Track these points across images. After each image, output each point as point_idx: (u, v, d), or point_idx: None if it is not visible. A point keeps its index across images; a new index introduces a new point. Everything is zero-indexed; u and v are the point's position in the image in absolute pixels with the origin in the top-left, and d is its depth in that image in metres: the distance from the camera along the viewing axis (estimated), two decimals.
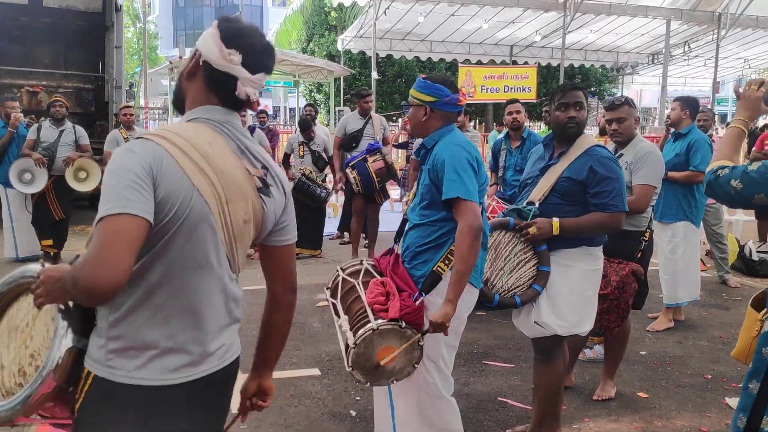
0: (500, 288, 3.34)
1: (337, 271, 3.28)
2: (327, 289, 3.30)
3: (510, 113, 6.09)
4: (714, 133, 6.94)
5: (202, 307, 1.69)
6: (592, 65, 27.28)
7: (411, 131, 3.30)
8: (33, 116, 9.09)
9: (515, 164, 5.95)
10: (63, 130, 7.65)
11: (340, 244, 9.32)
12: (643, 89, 37.70)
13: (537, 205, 3.38)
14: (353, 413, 4.02)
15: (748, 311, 2.34)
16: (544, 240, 3.32)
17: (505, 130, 6.32)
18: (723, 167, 2.22)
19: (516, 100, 6.34)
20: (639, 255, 4.09)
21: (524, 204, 3.45)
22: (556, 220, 3.27)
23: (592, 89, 28.80)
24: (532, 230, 3.29)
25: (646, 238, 4.14)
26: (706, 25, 21.47)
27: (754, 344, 2.21)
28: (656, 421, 3.98)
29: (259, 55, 1.77)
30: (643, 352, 5.10)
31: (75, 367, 1.66)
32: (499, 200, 5.15)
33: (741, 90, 2.42)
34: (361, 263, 3.26)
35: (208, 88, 1.76)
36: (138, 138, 1.64)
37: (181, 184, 1.59)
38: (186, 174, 1.60)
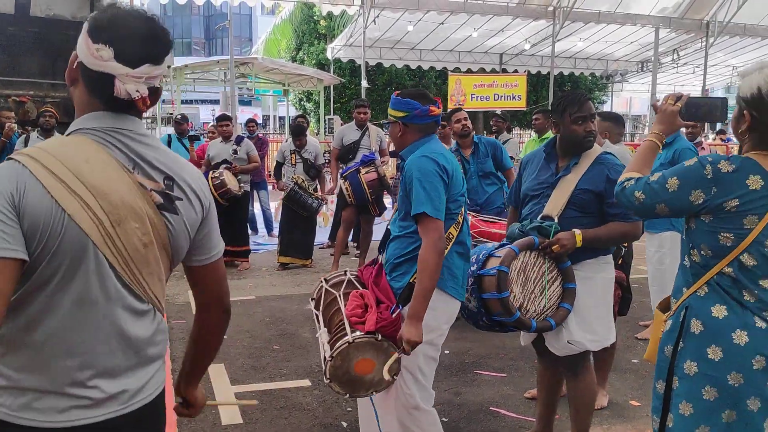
0: (533, 312, 3.23)
1: (321, 281, 3.27)
2: (312, 299, 3.29)
3: (458, 120, 6.12)
4: (703, 140, 6.97)
5: (89, 347, 1.48)
6: (582, 73, 27.40)
7: (395, 148, 3.29)
8: (28, 127, 9.04)
9: (477, 170, 5.96)
10: None
11: (331, 255, 9.29)
12: (632, 97, 37.92)
13: (556, 219, 3.30)
14: (344, 424, 3.99)
15: (655, 313, 2.40)
16: (568, 256, 3.25)
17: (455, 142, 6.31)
18: (630, 179, 2.27)
19: (460, 109, 6.44)
20: (620, 261, 4.08)
21: (539, 219, 3.34)
22: (578, 233, 3.18)
23: None
24: (555, 248, 3.19)
25: (626, 245, 4.13)
26: (695, 33, 21.62)
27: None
28: (649, 430, 3.96)
29: (139, 45, 1.49)
30: (634, 360, 5.08)
31: None
32: (472, 213, 5.12)
33: (659, 104, 2.45)
34: (345, 274, 3.25)
35: (89, 92, 1.53)
36: (8, 158, 1.48)
37: (48, 211, 1.39)
38: (54, 199, 1.40)
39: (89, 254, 1.45)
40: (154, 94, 1.58)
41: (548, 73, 21.96)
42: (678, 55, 24.54)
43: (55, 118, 7.81)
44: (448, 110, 6.75)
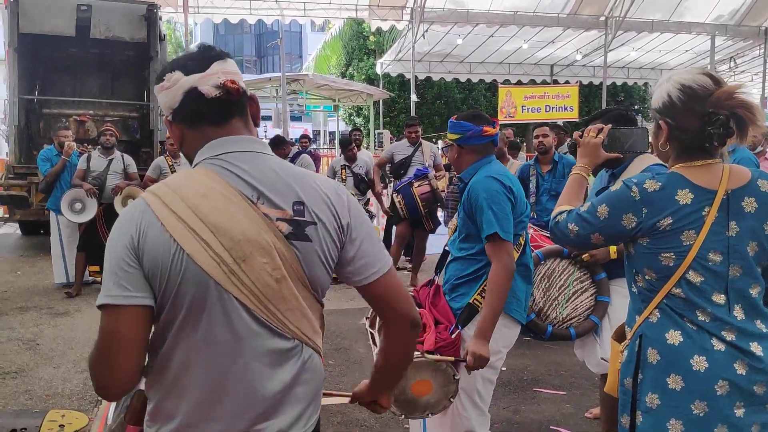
0: (554, 319, 3.22)
1: None
2: (366, 318, 3.26)
3: (536, 137, 6.01)
4: (765, 149, 6.71)
5: (221, 385, 1.45)
6: (635, 83, 26.96)
7: (455, 170, 3.27)
8: (86, 144, 9.29)
9: (550, 189, 5.83)
10: (112, 159, 7.82)
11: None
12: None
13: None
14: None
15: (612, 344, 2.26)
16: (603, 268, 3.20)
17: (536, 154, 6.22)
18: (561, 212, 2.21)
19: (544, 124, 6.27)
20: None
21: None
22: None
23: (636, 107, 28.41)
24: (585, 257, 3.18)
25: None
26: (752, 40, 21.09)
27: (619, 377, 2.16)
28: None
29: (198, 56, 1.52)
30: None
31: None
32: (535, 227, 5.04)
33: (580, 138, 2.42)
34: None
35: (191, 125, 1.51)
36: (139, 197, 1.49)
37: (167, 250, 1.38)
38: (173, 238, 1.38)
39: (211, 293, 1.40)
40: (246, 98, 1.56)
41: (601, 84, 21.68)
42: (735, 63, 23.93)
43: (115, 136, 8.01)
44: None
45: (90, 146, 9.13)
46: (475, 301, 2.89)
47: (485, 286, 2.86)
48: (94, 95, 11.45)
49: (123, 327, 1.37)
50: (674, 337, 1.98)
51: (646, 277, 2.03)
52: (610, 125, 2.43)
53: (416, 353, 2.79)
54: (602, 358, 3.21)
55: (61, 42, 10.82)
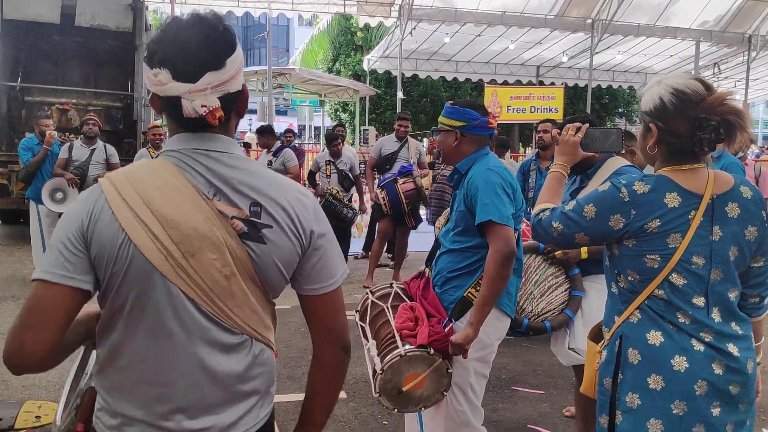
0: (529, 312, 3.28)
1: (367, 293, 3.24)
2: (356, 312, 3.25)
3: (538, 132, 6.03)
4: (750, 155, 6.80)
5: (167, 379, 1.43)
6: (620, 86, 27.11)
7: (443, 158, 3.26)
8: (68, 133, 9.20)
9: None
10: (94, 149, 7.74)
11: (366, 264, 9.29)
12: None
13: None
14: None
15: (588, 344, 2.29)
16: (576, 264, 3.25)
17: (536, 149, 6.26)
18: (544, 209, 2.22)
19: (549, 120, 6.25)
20: None
21: None
22: None
23: (620, 111, 28.61)
24: (558, 254, 3.24)
25: None
26: (736, 47, 21.29)
27: (597, 377, 2.18)
28: None
29: (193, 56, 1.39)
30: None
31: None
32: (528, 223, 5.09)
33: (559, 135, 2.44)
34: (391, 286, 3.21)
35: (167, 115, 1.47)
36: (95, 180, 1.47)
37: (114, 240, 1.37)
38: (122, 227, 1.36)
39: (157, 285, 1.39)
40: (235, 100, 1.49)
41: (586, 86, 21.79)
42: (719, 68, 24.14)
43: (98, 125, 7.93)
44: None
45: (72, 135, 9.05)
46: (469, 294, 2.88)
47: (480, 280, 2.86)
48: (78, 84, 11.35)
49: (51, 304, 1.36)
50: (655, 337, 2.00)
51: (629, 278, 2.05)
52: (587, 124, 2.45)
53: (409, 346, 2.80)
54: (570, 348, 3.28)
55: (46, 29, 10.71)
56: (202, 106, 1.39)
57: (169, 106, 1.42)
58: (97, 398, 1.50)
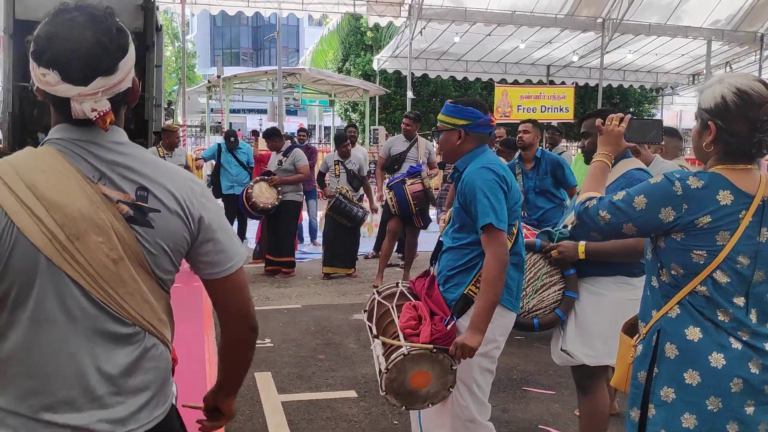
0: (520, 308, 3.27)
1: (374, 293, 3.25)
2: (364, 311, 3.27)
3: (519, 132, 5.98)
4: None
5: (48, 370, 1.38)
6: (631, 86, 27.03)
7: (443, 157, 3.27)
8: None
9: (534, 186, 5.80)
10: None
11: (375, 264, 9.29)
12: (683, 110, 37.16)
13: (569, 228, 3.30)
14: None
15: (621, 337, 2.32)
16: (573, 264, 3.24)
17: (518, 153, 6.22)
18: (591, 198, 2.23)
19: (528, 120, 6.23)
20: None
21: (561, 227, 3.38)
22: (582, 244, 3.17)
23: (631, 110, 28.50)
24: (554, 252, 3.22)
25: None
26: (748, 46, 21.18)
27: (630, 371, 2.21)
28: None
29: (85, 60, 1.36)
30: None
31: None
32: (526, 226, 5.07)
33: (603, 125, 2.47)
34: (397, 286, 3.23)
35: (52, 107, 1.44)
36: None
37: None
38: (4, 211, 1.33)
39: (42, 269, 1.36)
40: (125, 95, 1.48)
41: (596, 86, 21.72)
42: (731, 68, 23.99)
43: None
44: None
45: None
46: (469, 291, 2.90)
47: (480, 276, 2.87)
48: None
49: None
50: (694, 333, 2.02)
51: (672, 272, 2.06)
52: (630, 115, 2.47)
53: (410, 344, 2.81)
54: (562, 349, 3.28)
55: None
56: (93, 110, 1.38)
57: (57, 101, 1.40)
58: None
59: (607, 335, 3.23)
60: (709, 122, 2.03)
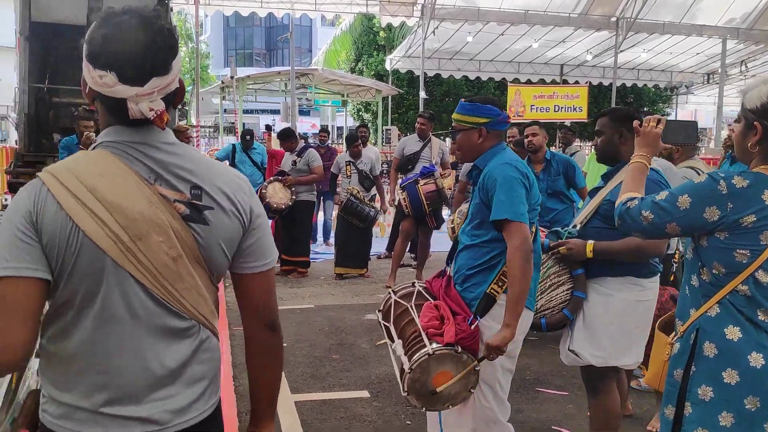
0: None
1: (390, 293, 3.24)
2: (379, 311, 3.26)
3: (526, 136, 5.95)
4: None
5: (115, 365, 1.44)
6: (645, 85, 26.86)
7: (462, 156, 3.24)
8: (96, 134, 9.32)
9: (546, 188, 5.74)
10: None
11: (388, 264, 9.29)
12: (697, 109, 36.92)
13: (578, 227, 3.29)
14: None
15: (656, 335, 2.34)
16: (581, 264, 3.22)
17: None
18: (632, 198, 2.24)
19: (534, 123, 6.21)
20: (672, 278, 3.95)
21: (571, 227, 3.37)
22: (590, 243, 3.16)
23: (645, 109, 28.32)
24: (562, 249, 3.21)
25: (677, 260, 3.99)
26: (764, 44, 20.98)
27: (665, 368, 2.23)
28: None
29: (141, 60, 1.40)
30: None
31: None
32: (541, 229, 5.05)
33: (640, 126, 2.50)
34: (413, 285, 3.22)
35: (104, 110, 1.48)
36: (36, 175, 1.47)
37: (63, 229, 1.38)
38: (69, 216, 1.37)
39: (108, 270, 1.41)
40: (174, 95, 1.51)
41: (610, 85, 21.62)
42: (746, 66, 23.82)
43: None
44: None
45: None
46: (492, 290, 2.89)
47: (501, 275, 2.86)
48: None
49: (19, 296, 1.36)
50: (733, 332, 2.04)
51: (714, 271, 2.07)
52: (665, 116, 2.51)
53: (436, 345, 2.81)
54: (570, 350, 3.27)
55: (72, 31, 10.80)
56: (150, 110, 1.42)
57: (112, 104, 1.44)
58: (42, 392, 1.50)
59: (616, 336, 3.22)
60: (755, 123, 2.03)
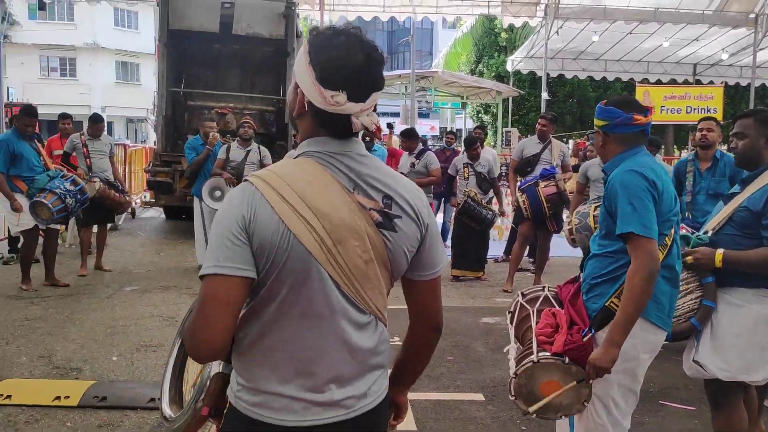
0: (671, 326, 3.10)
1: (518, 295, 3.22)
2: (508, 313, 3.25)
3: (700, 130, 5.53)
4: None
5: (317, 356, 1.60)
6: None
7: (602, 161, 3.13)
8: (228, 136, 9.82)
9: (708, 188, 5.39)
10: (249, 150, 8.23)
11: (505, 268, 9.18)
12: None
13: (710, 233, 3.13)
14: None
15: None
16: (712, 272, 3.06)
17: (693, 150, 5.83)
18: None
19: (710, 118, 5.78)
20: None
21: (702, 232, 3.22)
22: (720, 252, 3.00)
23: None
24: (688, 259, 3.05)
25: None
26: None
27: None
28: None
29: (365, 80, 1.57)
30: None
31: (223, 393, 1.71)
32: (686, 227, 4.77)
33: None
34: (543, 290, 3.14)
35: (317, 124, 1.60)
36: (244, 180, 1.60)
37: (275, 231, 1.51)
38: (282, 220, 1.51)
39: (313, 271, 1.54)
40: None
41: (748, 85, 20.31)
42: None
43: (253, 129, 8.42)
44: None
45: (230, 137, 9.63)
46: (611, 303, 2.74)
47: (623, 288, 2.70)
48: (235, 89, 12.02)
49: (227, 294, 1.50)
50: None
51: None
52: None
53: (544, 353, 2.76)
54: (694, 360, 3.14)
55: (206, 38, 11.42)
56: (372, 123, 1.58)
57: (329, 119, 1.57)
58: (235, 379, 1.65)
59: (744, 349, 3.06)
60: None
